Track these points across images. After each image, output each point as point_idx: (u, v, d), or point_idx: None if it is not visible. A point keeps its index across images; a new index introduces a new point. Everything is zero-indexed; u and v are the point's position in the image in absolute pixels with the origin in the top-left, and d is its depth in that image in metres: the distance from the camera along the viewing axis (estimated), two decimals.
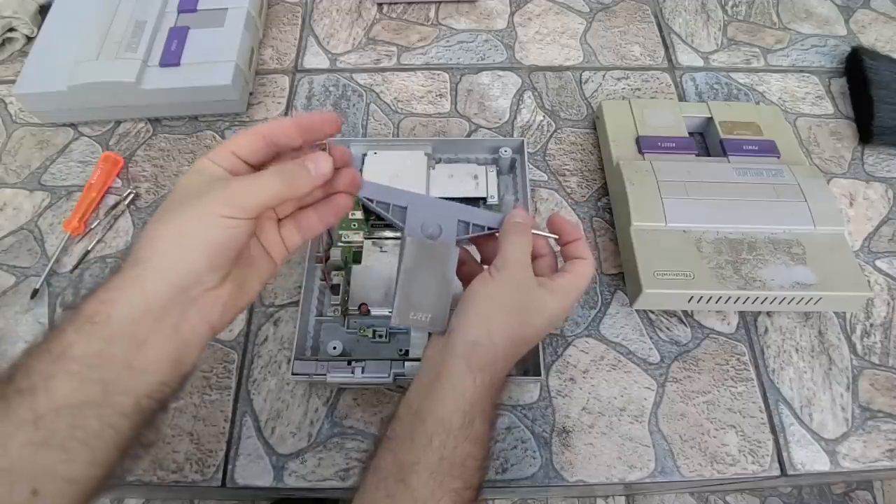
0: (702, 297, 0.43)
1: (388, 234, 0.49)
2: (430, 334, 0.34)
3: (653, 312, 0.48)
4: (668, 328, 0.48)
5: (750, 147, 0.51)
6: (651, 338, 0.47)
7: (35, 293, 0.48)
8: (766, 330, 0.48)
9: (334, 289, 0.46)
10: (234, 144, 0.28)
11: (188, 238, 0.25)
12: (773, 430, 0.44)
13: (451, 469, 0.27)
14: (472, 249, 0.37)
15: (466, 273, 0.35)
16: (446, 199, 0.49)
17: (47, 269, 0.49)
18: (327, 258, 0.47)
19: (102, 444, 0.23)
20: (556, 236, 0.35)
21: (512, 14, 0.67)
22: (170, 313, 0.25)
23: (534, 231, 0.33)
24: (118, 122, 0.59)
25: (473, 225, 0.34)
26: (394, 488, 0.27)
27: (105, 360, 0.24)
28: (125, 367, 0.24)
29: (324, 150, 0.30)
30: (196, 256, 0.25)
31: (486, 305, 0.30)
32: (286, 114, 0.59)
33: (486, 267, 0.35)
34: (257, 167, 0.29)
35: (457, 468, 0.27)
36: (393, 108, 0.60)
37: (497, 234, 0.34)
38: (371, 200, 0.33)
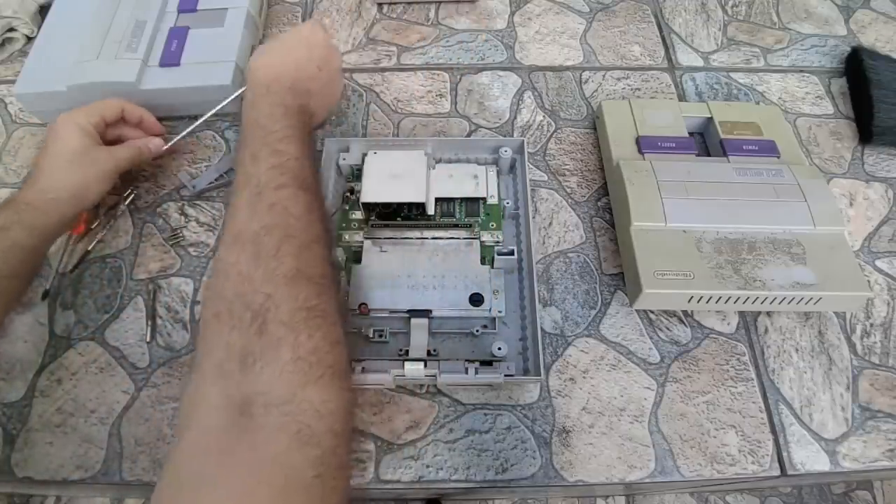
0: (702, 297, 0.43)
1: (388, 233, 0.49)
2: None
3: (653, 312, 0.48)
4: (668, 328, 0.48)
5: (750, 147, 0.51)
6: (651, 338, 0.47)
7: (46, 294, 0.48)
8: (766, 330, 0.48)
9: None
10: (102, 111, 0.49)
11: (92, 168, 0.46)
12: (773, 430, 0.44)
13: (264, 139, 0.38)
14: None
15: None
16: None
17: (54, 269, 0.49)
18: None
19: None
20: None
21: (512, 14, 0.67)
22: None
23: None
24: None
25: None
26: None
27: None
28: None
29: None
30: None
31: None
32: None
33: None
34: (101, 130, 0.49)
35: (259, 129, 0.39)
36: (393, 108, 0.60)
37: None
38: None
